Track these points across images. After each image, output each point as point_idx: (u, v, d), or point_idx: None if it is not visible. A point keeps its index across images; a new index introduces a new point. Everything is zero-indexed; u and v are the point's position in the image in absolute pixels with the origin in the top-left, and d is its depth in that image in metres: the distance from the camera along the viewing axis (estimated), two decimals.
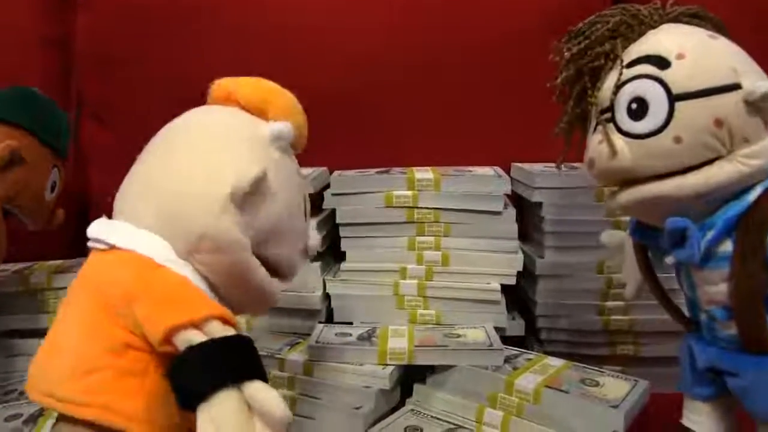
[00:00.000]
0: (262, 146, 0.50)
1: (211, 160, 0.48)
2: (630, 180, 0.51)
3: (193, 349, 0.41)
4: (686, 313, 0.57)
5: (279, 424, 0.39)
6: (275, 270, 0.51)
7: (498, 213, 0.78)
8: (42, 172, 0.76)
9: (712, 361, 0.54)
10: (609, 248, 0.67)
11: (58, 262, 0.89)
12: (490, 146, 0.90)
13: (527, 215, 0.87)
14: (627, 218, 0.66)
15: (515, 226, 0.78)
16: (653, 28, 0.53)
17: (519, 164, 0.87)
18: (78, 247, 0.93)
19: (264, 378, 0.41)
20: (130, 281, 0.44)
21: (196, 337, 0.41)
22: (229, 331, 0.42)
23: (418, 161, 0.86)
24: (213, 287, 0.47)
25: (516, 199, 0.84)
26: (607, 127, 0.51)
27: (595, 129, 0.53)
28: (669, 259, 0.52)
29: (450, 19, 0.96)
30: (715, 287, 0.50)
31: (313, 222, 0.76)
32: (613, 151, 0.50)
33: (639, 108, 0.49)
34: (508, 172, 0.85)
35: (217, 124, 0.51)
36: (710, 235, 0.49)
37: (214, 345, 0.41)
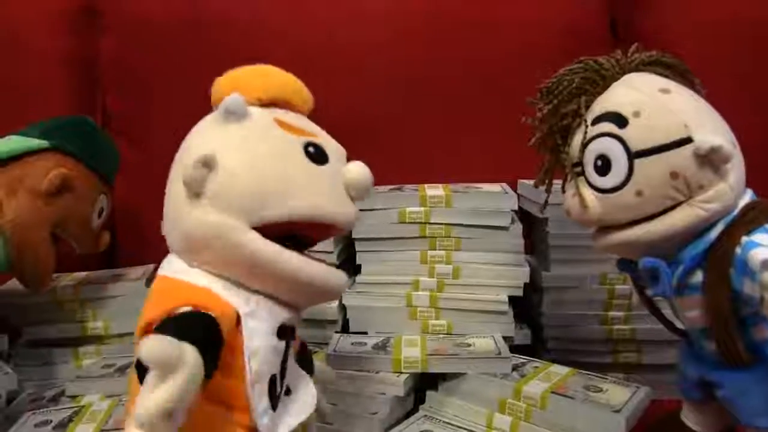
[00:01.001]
0: (211, 127, 0.50)
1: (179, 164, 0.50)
2: (602, 227, 0.56)
3: (153, 330, 0.42)
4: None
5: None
6: (307, 232, 0.50)
7: (505, 228, 0.80)
8: (89, 199, 0.78)
9: (701, 373, 0.58)
10: None
11: (84, 274, 0.92)
12: (497, 164, 0.92)
13: (533, 230, 0.90)
14: None
15: (522, 241, 0.80)
16: (616, 80, 0.57)
17: (525, 181, 0.89)
18: (102, 261, 0.97)
19: (206, 352, 0.40)
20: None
21: None
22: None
23: (430, 178, 0.88)
24: (239, 285, 0.47)
25: (523, 215, 0.86)
26: (578, 180, 0.56)
27: (568, 181, 0.58)
28: (648, 292, 0.58)
29: (460, 39, 0.99)
30: (693, 312, 0.55)
31: None
32: (584, 205, 0.55)
33: (603, 165, 0.54)
34: (515, 188, 0.87)
35: (191, 132, 0.52)
36: (680, 269, 0.53)
37: (165, 321, 0.42)
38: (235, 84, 0.52)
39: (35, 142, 0.74)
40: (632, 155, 0.52)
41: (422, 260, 0.81)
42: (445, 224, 0.80)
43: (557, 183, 0.84)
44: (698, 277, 0.53)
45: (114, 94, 1.04)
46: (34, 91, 1.01)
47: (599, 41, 0.99)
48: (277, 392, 0.49)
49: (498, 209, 0.80)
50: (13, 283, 0.78)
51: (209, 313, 0.44)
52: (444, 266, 0.81)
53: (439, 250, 0.81)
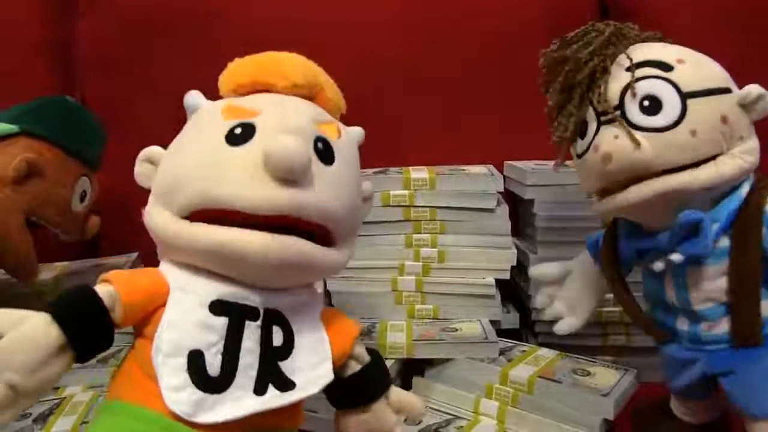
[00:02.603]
0: None
1: None
2: (641, 175, 0.52)
3: None
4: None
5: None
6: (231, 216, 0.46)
7: (491, 210, 0.79)
8: (65, 183, 0.76)
9: (705, 368, 0.55)
10: (542, 282, 0.70)
11: (64, 263, 0.91)
12: (483, 145, 0.92)
13: (520, 212, 0.89)
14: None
15: (508, 223, 0.79)
16: (634, 43, 0.56)
17: (511, 162, 0.89)
18: (82, 250, 0.95)
19: (69, 318, 0.43)
20: None
21: None
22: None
23: (414, 161, 0.87)
24: (201, 270, 0.48)
25: (509, 197, 0.85)
26: (621, 121, 0.52)
27: (598, 128, 0.54)
28: (675, 257, 0.53)
29: (444, 20, 0.97)
30: (712, 283, 0.53)
31: None
32: (636, 144, 0.51)
33: (652, 105, 0.51)
34: (501, 170, 0.86)
35: None
36: (716, 227, 0.52)
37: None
38: (220, 80, 0.53)
39: (4, 128, 0.72)
40: (685, 95, 0.51)
41: (407, 244, 0.80)
42: (430, 207, 0.79)
43: (544, 163, 0.84)
44: (724, 242, 0.52)
45: (91, 80, 1.02)
46: (10, 78, 0.99)
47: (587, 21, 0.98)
48: (212, 371, 0.45)
49: (484, 191, 0.79)
50: None
51: (99, 287, 0.45)
52: (429, 250, 0.80)
53: (424, 233, 0.80)
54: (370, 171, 0.84)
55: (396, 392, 0.55)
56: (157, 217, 0.48)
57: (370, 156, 0.88)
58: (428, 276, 0.80)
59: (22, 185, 0.71)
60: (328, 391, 0.52)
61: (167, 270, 0.48)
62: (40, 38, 1.04)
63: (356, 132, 0.56)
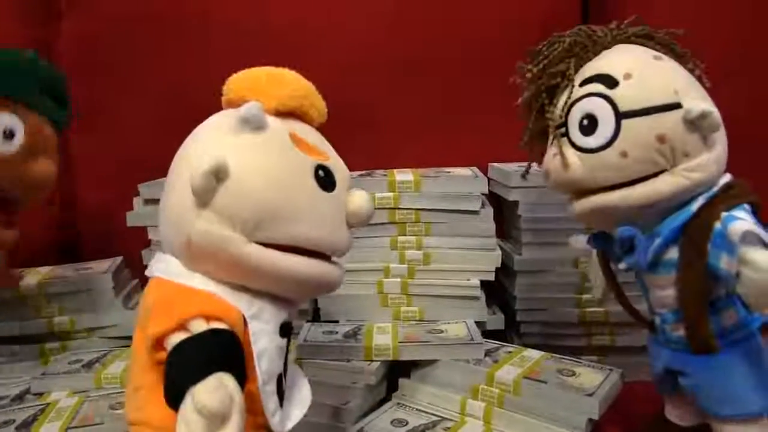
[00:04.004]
0: (227, 133, 0.47)
1: (186, 166, 0.47)
2: (581, 191, 0.55)
3: (173, 350, 0.42)
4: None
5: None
6: (303, 250, 0.48)
7: (476, 212, 0.79)
8: None
9: (666, 362, 0.57)
10: (578, 251, 0.72)
11: (48, 268, 0.90)
12: (467, 148, 0.92)
13: (505, 214, 0.90)
14: None
15: (493, 225, 0.80)
16: (607, 48, 0.56)
17: (496, 164, 0.89)
18: (65, 254, 0.95)
19: (236, 370, 0.41)
20: (149, 303, 0.46)
21: (181, 337, 0.42)
22: (214, 326, 0.42)
23: (399, 163, 0.88)
24: (237, 287, 0.47)
25: (494, 199, 0.86)
26: (561, 141, 0.55)
27: (550, 143, 0.56)
28: (621, 265, 0.56)
29: (429, 24, 0.98)
30: (664, 291, 0.54)
31: None
32: (566, 164, 0.53)
33: (589, 124, 0.52)
34: (485, 172, 0.86)
35: (200, 129, 0.50)
36: (657, 242, 0.52)
37: (187, 342, 0.41)
38: (252, 89, 0.50)
39: None
40: (620, 115, 0.51)
41: (392, 246, 0.80)
42: (415, 209, 0.80)
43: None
44: (674, 253, 0.53)
45: (75, 83, 1.01)
46: None
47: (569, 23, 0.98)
48: (283, 389, 0.50)
49: (468, 193, 0.79)
50: None
51: (226, 327, 0.43)
52: (414, 252, 0.80)
53: (409, 235, 0.80)
54: (355, 174, 0.84)
55: None
56: (244, 248, 0.45)
57: (356, 159, 0.89)
58: (413, 278, 0.80)
59: None
60: None
61: (230, 298, 0.46)
62: (23, 39, 1.02)
63: None
